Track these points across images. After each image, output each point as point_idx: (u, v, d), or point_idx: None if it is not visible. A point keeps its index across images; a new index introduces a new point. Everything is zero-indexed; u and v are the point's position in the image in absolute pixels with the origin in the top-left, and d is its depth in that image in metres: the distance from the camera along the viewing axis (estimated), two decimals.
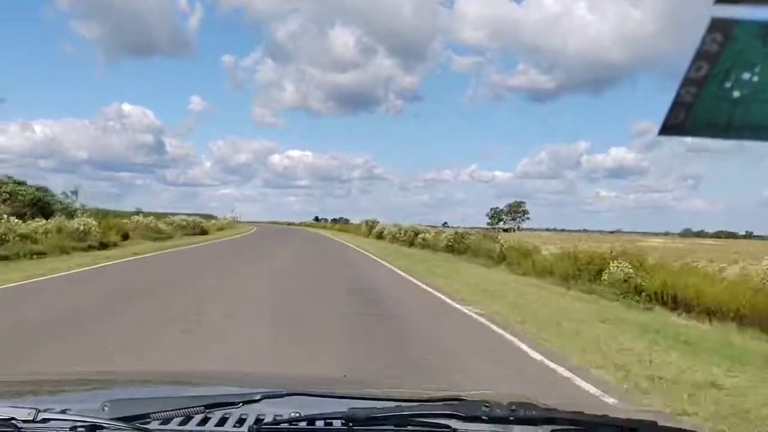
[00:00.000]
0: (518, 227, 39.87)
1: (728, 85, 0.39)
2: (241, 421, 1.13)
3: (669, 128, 0.41)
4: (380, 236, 39.11)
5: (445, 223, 68.09)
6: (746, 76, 0.39)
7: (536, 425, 1.03)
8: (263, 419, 1.13)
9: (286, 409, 1.15)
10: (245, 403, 1.15)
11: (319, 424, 1.06)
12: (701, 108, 0.40)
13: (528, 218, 54.52)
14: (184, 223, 38.52)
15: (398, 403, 1.09)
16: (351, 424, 1.02)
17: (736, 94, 0.40)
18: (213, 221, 52.45)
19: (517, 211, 55.82)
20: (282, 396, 1.18)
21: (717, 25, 0.38)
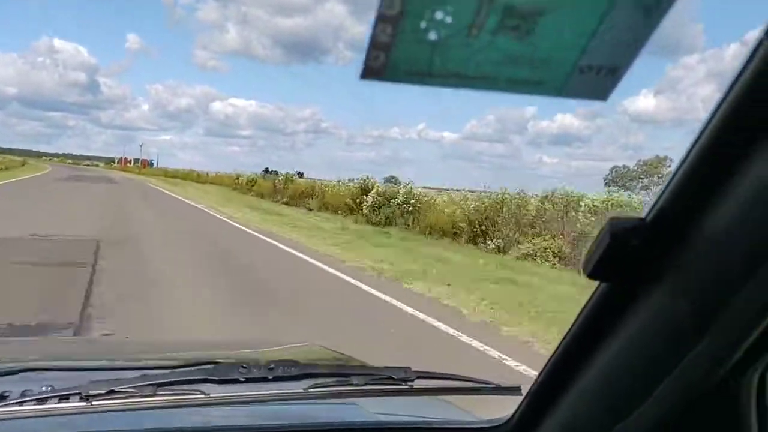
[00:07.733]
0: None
1: (423, 25, 0.36)
2: None
3: (370, 71, 0.37)
4: None
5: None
6: (439, 15, 0.35)
7: (296, 381, 1.00)
8: None
9: (18, 387, 0.99)
10: None
11: (53, 401, 0.92)
12: (400, 51, 0.37)
13: None
14: None
15: (145, 372, 0.99)
16: (89, 399, 0.89)
17: (433, 36, 0.36)
18: None
19: (654, 173, 30.80)
20: (15, 372, 1.04)
21: None
